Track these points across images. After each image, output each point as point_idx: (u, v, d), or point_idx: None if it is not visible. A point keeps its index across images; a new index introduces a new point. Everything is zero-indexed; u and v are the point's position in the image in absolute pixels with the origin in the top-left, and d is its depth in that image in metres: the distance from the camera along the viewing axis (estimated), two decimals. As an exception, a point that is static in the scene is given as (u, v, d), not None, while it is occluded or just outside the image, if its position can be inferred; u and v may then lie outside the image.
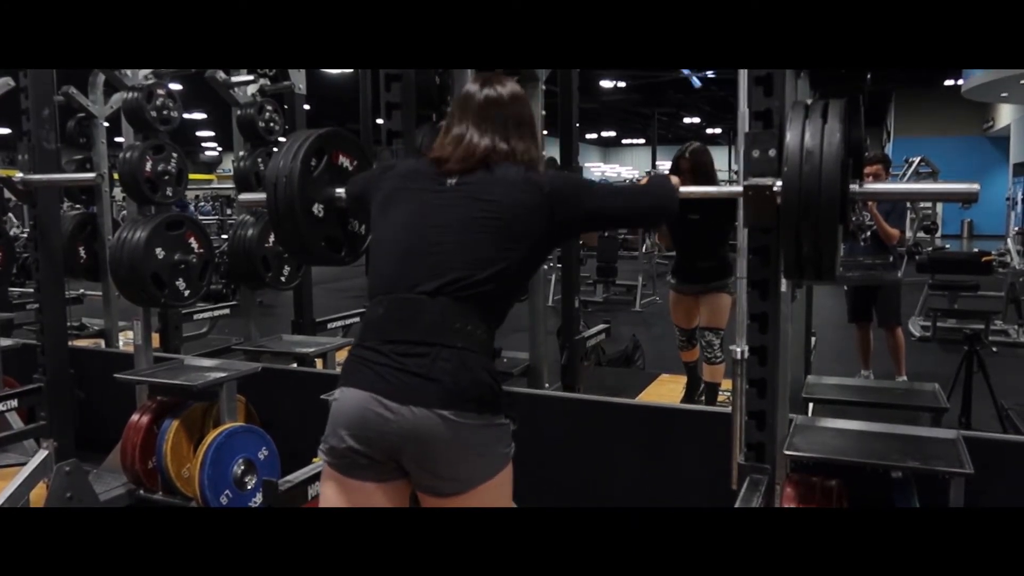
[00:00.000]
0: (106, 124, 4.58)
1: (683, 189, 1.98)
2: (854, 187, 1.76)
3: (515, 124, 1.78)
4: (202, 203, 20.34)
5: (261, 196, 2.35)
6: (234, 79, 4.35)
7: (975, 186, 1.72)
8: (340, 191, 2.31)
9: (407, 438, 1.55)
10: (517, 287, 1.74)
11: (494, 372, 1.65)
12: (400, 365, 1.58)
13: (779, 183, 1.75)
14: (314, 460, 2.31)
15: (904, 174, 11.38)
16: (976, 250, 8.35)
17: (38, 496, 3.14)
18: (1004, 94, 14.32)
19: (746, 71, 1.96)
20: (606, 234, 9.53)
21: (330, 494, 1.65)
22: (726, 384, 3.88)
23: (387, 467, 1.60)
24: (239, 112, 4.32)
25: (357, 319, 5.06)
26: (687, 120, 24.10)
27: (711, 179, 4.06)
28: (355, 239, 2.45)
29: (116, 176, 3.72)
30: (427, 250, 1.66)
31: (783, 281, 1.98)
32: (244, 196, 2.77)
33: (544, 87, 3.33)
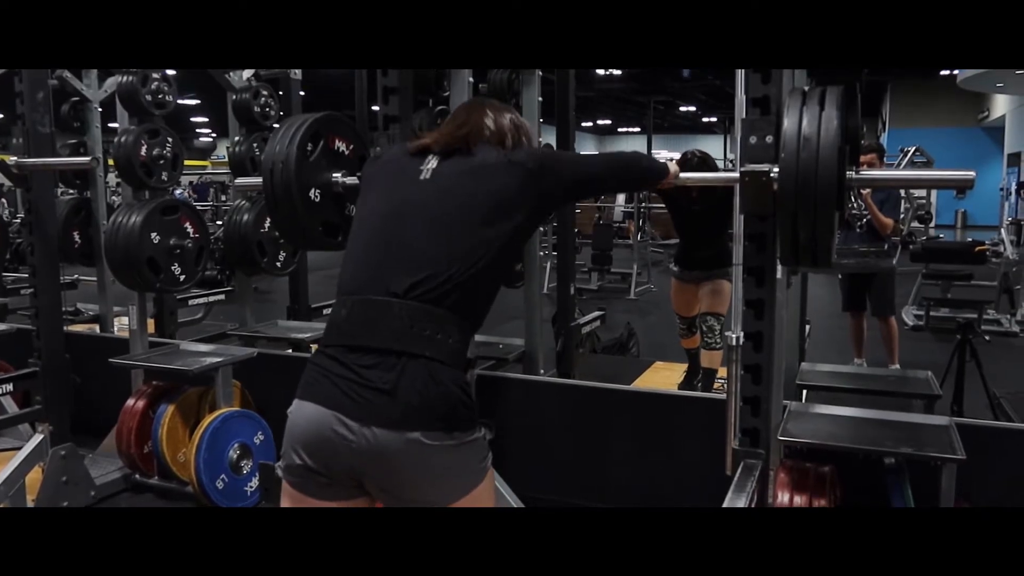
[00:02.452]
0: (99, 108, 4.55)
1: (683, 175, 2.00)
2: (850, 174, 1.76)
3: (507, 119, 1.76)
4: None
5: (257, 180, 2.35)
6: (229, 64, 4.33)
7: (971, 173, 1.72)
8: (337, 176, 2.31)
9: (369, 461, 1.44)
10: (498, 276, 1.63)
11: (465, 385, 1.51)
12: (363, 380, 1.44)
13: (776, 169, 1.75)
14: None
15: (899, 164, 11.39)
16: (970, 240, 8.37)
17: (33, 480, 3.15)
18: (1000, 84, 14.34)
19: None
20: (601, 222, 9.53)
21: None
22: (722, 372, 3.90)
23: (348, 486, 1.50)
24: (234, 97, 4.30)
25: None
26: (683, 108, 24.01)
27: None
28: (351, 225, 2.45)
29: (111, 161, 3.70)
30: (398, 248, 1.55)
31: (779, 268, 1.99)
32: (240, 180, 2.77)
33: (541, 74, 3.33)
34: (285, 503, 1.56)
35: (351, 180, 2.34)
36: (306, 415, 1.49)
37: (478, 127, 1.71)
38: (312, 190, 2.25)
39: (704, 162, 4.02)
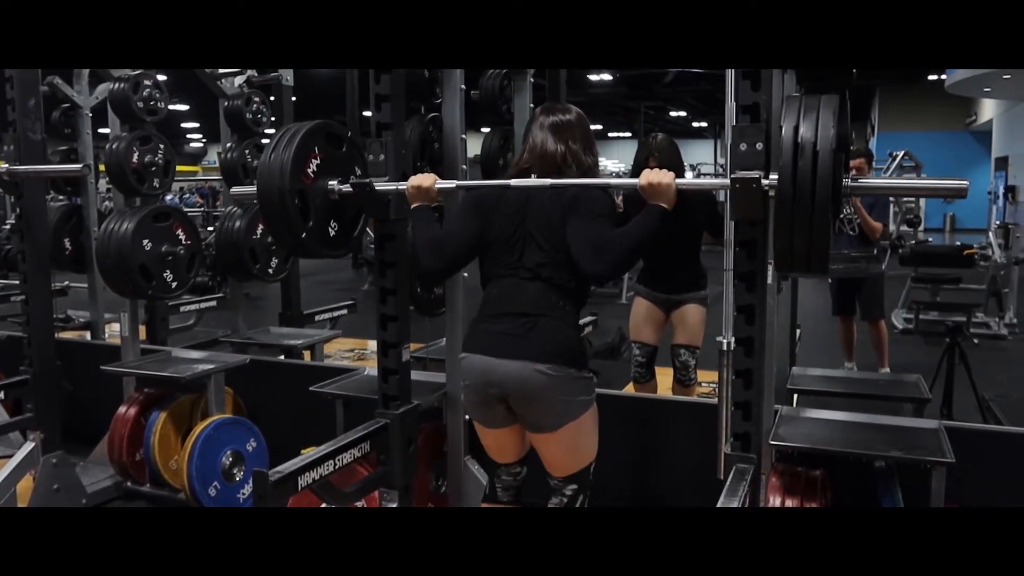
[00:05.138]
0: (90, 115, 4.55)
1: (677, 183, 1.97)
2: (846, 181, 1.76)
3: (581, 138, 2.20)
4: (187, 195, 20.24)
5: (251, 189, 2.35)
6: (221, 70, 4.33)
7: (964, 182, 1.72)
8: (332, 183, 2.32)
9: (511, 385, 2.04)
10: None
11: (581, 340, 2.14)
12: (506, 330, 2.06)
13: (774, 176, 1.76)
14: (303, 451, 2.32)
15: (888, 168, 11.44)
16: (958, 244, 8.41)
17: (25, 488, 3.13)
18: (987, 89, 14.40)
19: (734, 65, 1.98)
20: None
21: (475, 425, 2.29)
22: (711, 376, 3.88)
23: (501, 411, 2.11)
24: (226, 103, 4.31)
25: (344, 311, 5.05)
26: (673, 114, 24.06)
27: (681, 174, 3.29)
28: (346, 232, 2.45)
29: (102, 167, 3.70)
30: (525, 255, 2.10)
31: (769, 273, 2.00)
32: (236, 190, 2.76)
33: (532, 80, 3.34)
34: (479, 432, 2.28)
35: (346, 188, 2.35)
36: (470, 362, 2.13)
37: None
38: (308, 198, 2.26)
39: (669, 151, 3.43)
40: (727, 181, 1.85)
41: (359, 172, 2.48)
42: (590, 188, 2.10)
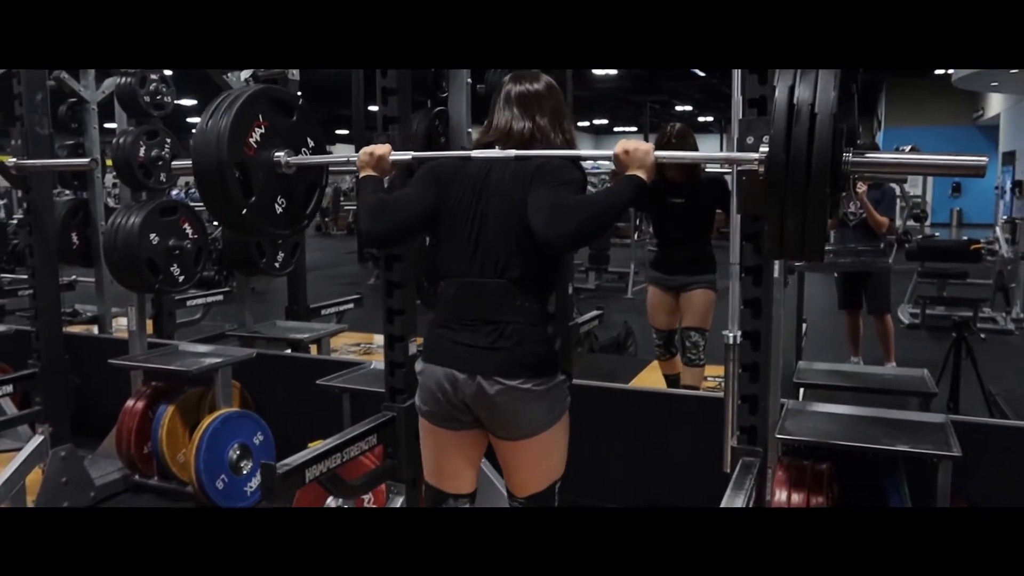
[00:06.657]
0: (97, 109, 4.55)
1: (658, 154, 1.82)
2: (846, 156, 1.59)
3: (551, 111, 1.99)
4: (193, 189, 20.26)
5: (188, 163, 2.19)
6: (227, 65, 4.33)
7: (983, 159, 1.60)
8: (280, 155, 2.21)
9: (477, 401, 1.88)
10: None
11: (550, 338, 1.94)
12: (469, 341, 1.88)
13: (763, 148, 1.61)
14: (310, 444, 2.33)
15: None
16: (965, 238, 8.38)
17: (33, 481, 3.15)
18: (995, 83, 14.35)
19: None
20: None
21: (426, 440, 2.03)
22: (718, 370, 3.89)
23: (466, 416, 1.93)
24: (232, 98, 4.30)
25: (351, 305, 5.06)
26: (679, 108, 24.03)
27: (698, 164, 3.56)
28: (297, 209, 2.35)
29: (109, 162, 3.71)
30: (482, 241, 1.90)
31: (776, 267, 2.00)
32: (176, 163, 2.50)
33: (538, 74, 3.33)
34: (424, 435, 2.03)
35: (296, 159, 2.24)
36: (432, 373, 1.93)
37: None
38: (250, 170, 2.15)
39: (684, 138, 3.59)
40: (721, 154, 1.85)
41: (312, 144, 2.33)
42: (554, 158, 1.89)
